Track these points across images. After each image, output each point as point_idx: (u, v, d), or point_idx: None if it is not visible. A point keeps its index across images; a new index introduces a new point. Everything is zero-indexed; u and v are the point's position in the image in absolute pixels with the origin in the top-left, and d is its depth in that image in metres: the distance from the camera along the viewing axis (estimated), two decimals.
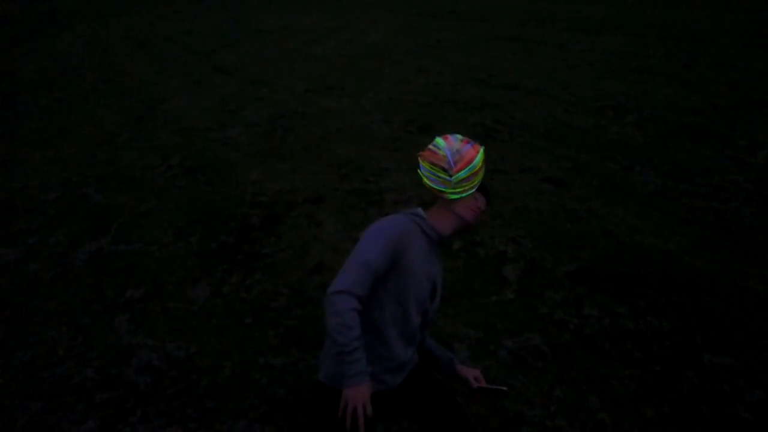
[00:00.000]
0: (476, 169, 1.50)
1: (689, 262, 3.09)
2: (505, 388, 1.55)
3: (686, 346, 2.47)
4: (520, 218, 3.67)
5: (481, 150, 1.54)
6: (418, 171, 1.56)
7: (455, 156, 1.49)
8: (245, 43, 11.88)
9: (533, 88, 6.81)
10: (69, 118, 6.91)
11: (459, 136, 1.56)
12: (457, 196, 1.51)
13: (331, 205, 4.01)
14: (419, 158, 1.56)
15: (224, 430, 2.17)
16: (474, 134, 5.34)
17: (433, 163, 1.51)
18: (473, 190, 1.53)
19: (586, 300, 2.81)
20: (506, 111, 6.00)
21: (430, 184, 1.52)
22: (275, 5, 18.65)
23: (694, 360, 2.39)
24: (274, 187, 4.36)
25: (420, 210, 1.56)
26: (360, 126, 5.75)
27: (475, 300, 2.86)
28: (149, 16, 18.23)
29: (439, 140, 1.54)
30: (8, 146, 5.94)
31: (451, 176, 1.47)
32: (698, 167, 4.30)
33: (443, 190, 1.50)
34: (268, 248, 3.49)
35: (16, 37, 15.24)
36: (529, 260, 3.19)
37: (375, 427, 1.66)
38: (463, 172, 1.48)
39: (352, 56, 9.57)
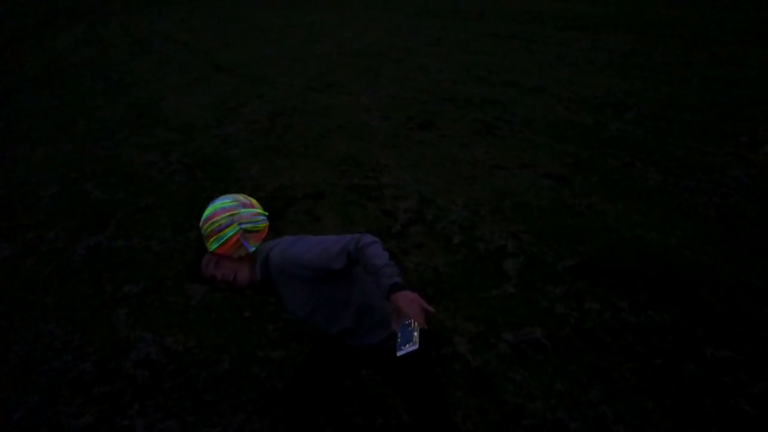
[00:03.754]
0: (212, 242, 1.52)
1: (690, 257, 3.07)
2: (415, 347, 1.20)
3: (687, 339, 2.46)
4: (521, 213, 3.66)
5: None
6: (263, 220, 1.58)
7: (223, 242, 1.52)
8: (244, 41, 11.86)
9: (533, 86, 6.79)
10: (68, 116, 6.90)
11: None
12: (227, 203, 1.55)
13: (330, 201, 4.00)
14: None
15: (223, 424, 2.16)
16: (474, 131, 5.32)
17: (261, 231, 1.57)
18: (206, 220, 1.53)
19: (587, 294, 2.80)
20: (506, 108, 5.98)
21: (253, 211, 1.55)
22: (275, 4, 18.64)
23: (695, 353, 2.37)
24: (274, 183, 4.35)
25: None
26: (359, 123, 5.74)
27: (475, 294, 2.85)
28: (149, 15, 18.21)
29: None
30: (7, 143, 5.93)
31: (244, 223, 1.51)
32: (699, 163, 4.29)
33: (243, 212, 1.55)
34: None
35: (16, 35, 15.22)
36: (530, 255, 3.18)
37: (346, 363, 1.76)
38: (230, 233, 1.51)
39: (351, 54, 9.55)
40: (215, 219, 1.50)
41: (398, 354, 1.20)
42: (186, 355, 2.54)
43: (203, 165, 4.85)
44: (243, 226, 1.50)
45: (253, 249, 1.54)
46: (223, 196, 1.57)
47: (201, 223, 1.53)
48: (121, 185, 4.51)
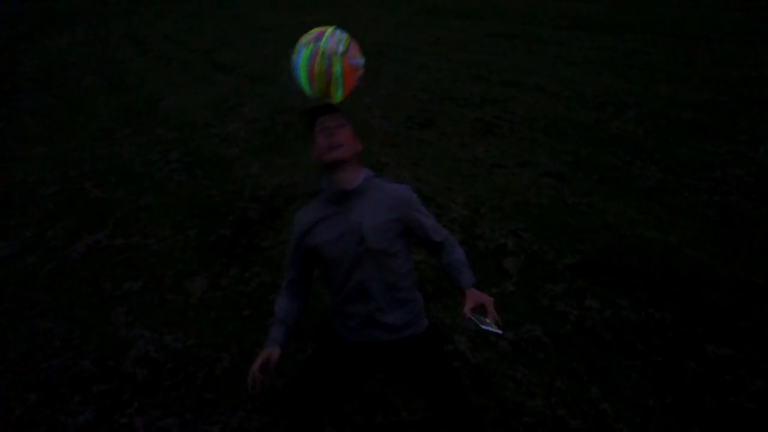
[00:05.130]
0: (336, 88, 1.44)
1: (691, 255, 3.07)
2: (500, 332, 1.39)
3: (688, 337, 2.45)
4: (521, 212, 3.65)
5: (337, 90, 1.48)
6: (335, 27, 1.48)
7: (358, 71, 1.49)
8: (244, 40, 11.85)
9: (533, 85, 6.78)
10: (68, 115, 6.89)
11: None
12: (305, 57, 1.44)
13: None
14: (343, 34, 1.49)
15: (222, 421, 2.15)
16: (474, 129, 5.32)
17: (351, 42, 1.49)
18: (306, 76, 1.45)
19: (587, 292, 2.79)
20: (506, 107, 5.98)
21: (329, 32, 1.45)
22: (275, 4, 18.64)
23: (696, 351, 2.37)
24: (274, 182, 4.34)
25: (324, 180, 1.55)
26: (360, 122, 5.73)
27: None
28: (148, 15, 18.20)
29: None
30: (7, 142, 5.92)
31: (339, 53, 1.42)
32: (699, 162, 4.28)
33: (321, 42, 1.44)
34: (267, 241, 3.47)
35: (15, 34, 15.21)
36: (530, 253, 3.17)
37: (362, 377, 1.66)
38: (340, 68, 1.43)
39: None
40: (315, 72, 1.38)
41: (482, 327, 1.37)
42: (185, 353, 2.53)
43: (203, 164, 4.84)
44: (339, 52, 1.40)
45: (363, 60, 1.47)
46: (293, 56, 1.44)
47: (311, 90, 1.42)
48: (121, 184, 4.50)
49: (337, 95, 1.41)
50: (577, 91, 6.39)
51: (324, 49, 1.39)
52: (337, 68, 1.39)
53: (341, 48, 1.40)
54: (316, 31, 1.46)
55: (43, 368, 2.49)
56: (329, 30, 1.44)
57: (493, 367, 2.34)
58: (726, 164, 4.21)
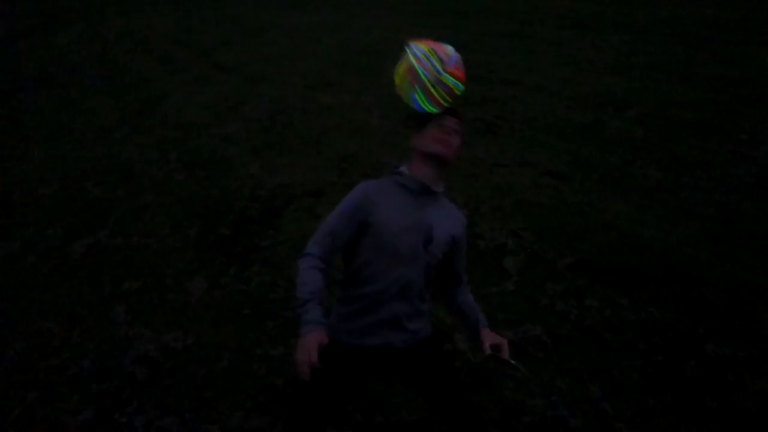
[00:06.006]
0: (459, 90, 1.49)
1: (691, 254, 3.07)
2: (520, 368, 1.52)
3: (688, 336, 2.45)
4: (521, 211, 3.65)
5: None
6: (407, 49, 1.50)
7: (460, 62, 1.49)
8: (244, 40, 11.84)
9: (534, 84, 6.78)
10: (68, 114, 6.89)
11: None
12: (421, 97, 1.47)
13: (330, 199, 3.99)
14: (415, 41, 1.51)
15: (221, 421, 2.15)
16: (474, 129, 5.31)
17: (433, 49, 1.48)
18: (434, 107, 1.48)
19: (587, 291, 2.79)
20: (507, 106, 5.97)
21: (414, 63, 1.46)
22: (275, 4, 18.63)
23: (696, 350, 2.36)
24: (273, 181, 4.34)
25: (403, 166, 1.57)
26: (359, 121, 5.73)
27: (475, 291, 2.81)
28: (148, 14, 18.20)
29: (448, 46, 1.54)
30: (7, 142, 5.92)
31: (441, 71, 1.45)
32: (699, 161, 4.28)
33: (420, 76, 1.45)
34: (266, 241, 3.47)
35: (15, 34, 15.21)
36: (530, 252, 3.17)
37: (367, 384, 1.65)
38: (452, 79, 1.47)
39: (351, 53, 9.53)
40: (438, 98, 1.45)
41: (510, 362, 1.49)
42: (185, 352, 2.53)
43: (203, 163, 4.84)
44: (439, 69, 1.45)
45: (452, 47, 1.51)
46: (410, 104, 1.50)
47: (443, 108, 1.49)
48: (121, 183, 4.50)
49: (460, 90, 1.48)
50: (577, 90, 6.39)
51: (429, 80, 1.44)
52: (448, 80, 1.45)
53: (437, 64, 1.45)
54: (403, 70, 1.49)
55: (43, 367, 2.48)
56: (412, 60, 1.47)
57: (493, 366, 2.34)
58: (726, 163, 4.21)
